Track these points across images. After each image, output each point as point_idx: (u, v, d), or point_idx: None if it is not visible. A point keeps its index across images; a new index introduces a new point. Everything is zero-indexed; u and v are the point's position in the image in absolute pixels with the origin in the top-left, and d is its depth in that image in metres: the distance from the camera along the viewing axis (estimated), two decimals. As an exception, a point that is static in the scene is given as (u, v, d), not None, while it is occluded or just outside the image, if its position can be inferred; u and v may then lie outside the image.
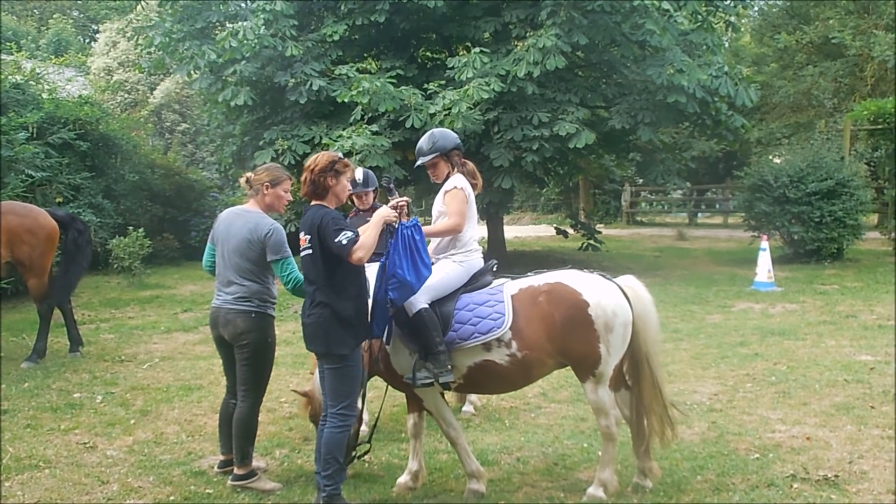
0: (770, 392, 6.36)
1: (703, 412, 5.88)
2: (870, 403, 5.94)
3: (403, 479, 4.58)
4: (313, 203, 4.17)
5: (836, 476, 4.55)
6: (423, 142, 4.62)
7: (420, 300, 4.20)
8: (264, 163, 12.88)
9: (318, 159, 4.16)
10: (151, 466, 4.97)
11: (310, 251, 4.07)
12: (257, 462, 4.77)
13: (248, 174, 4.71)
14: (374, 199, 6.06)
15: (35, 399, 6.47)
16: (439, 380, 4.21)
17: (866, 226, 15.21)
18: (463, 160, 4.68)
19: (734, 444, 5.16)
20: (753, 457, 4.92)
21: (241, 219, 4.56)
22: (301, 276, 4.40)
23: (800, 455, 4.92)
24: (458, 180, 4.52)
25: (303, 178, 4.17)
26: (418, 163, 4.64)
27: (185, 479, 4.76)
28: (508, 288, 4.34)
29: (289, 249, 4.51)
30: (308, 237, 4.07)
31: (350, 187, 5.80)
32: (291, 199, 4.78)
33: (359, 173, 5.97)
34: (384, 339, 4.32)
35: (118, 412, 6.16)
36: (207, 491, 4.57)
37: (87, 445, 5.37)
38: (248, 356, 4.51)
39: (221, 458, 4.85)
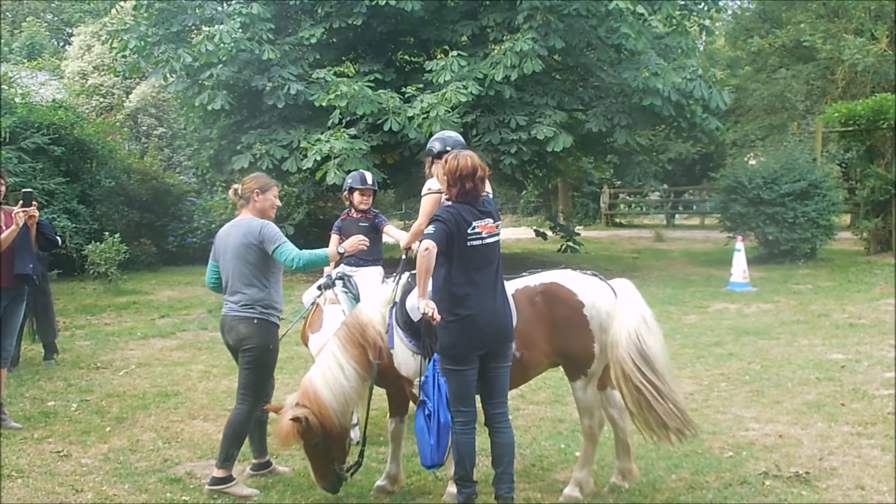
0: (744, 391, 6.46)
1: (678, 412, 5.94)
2: (840, 401, 6.06)
3: (381, 482, 4.59)
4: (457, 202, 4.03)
5: (807, 473, 4.63)
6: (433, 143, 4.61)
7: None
8: (242, 167, 12.92)
9: (471, 161, 3.97)
10: (127, 474, 4.93)
11: (498, 237, 4.05)
12: (235, 467, 4.75)
13: (236, 186, 4.81)
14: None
15: (8, 408, 6.35)
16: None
17: (839, 226, 15.45)
18: None
19: (708, 442, 5.22)
20: (727, 455, 4.99)
21: (235, 228, 4.67)
22: (299, 252, 4.46)
23: (772, 453, 5.00)
24: (431, 183, 4.48)
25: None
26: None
27: (161, 486, 4.73)
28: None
29: (284, 237, 4.57)
30: (499, 223, 4.06)
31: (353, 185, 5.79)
32: (280, 204, 4.84)
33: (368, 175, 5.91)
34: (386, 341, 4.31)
35: (93, 420, 6.10)
36: (184, 498, 4.55)
37: (62, 454, 5.30)
38: (249, 361, 4.59)
39: (254, 461, 4.93)
